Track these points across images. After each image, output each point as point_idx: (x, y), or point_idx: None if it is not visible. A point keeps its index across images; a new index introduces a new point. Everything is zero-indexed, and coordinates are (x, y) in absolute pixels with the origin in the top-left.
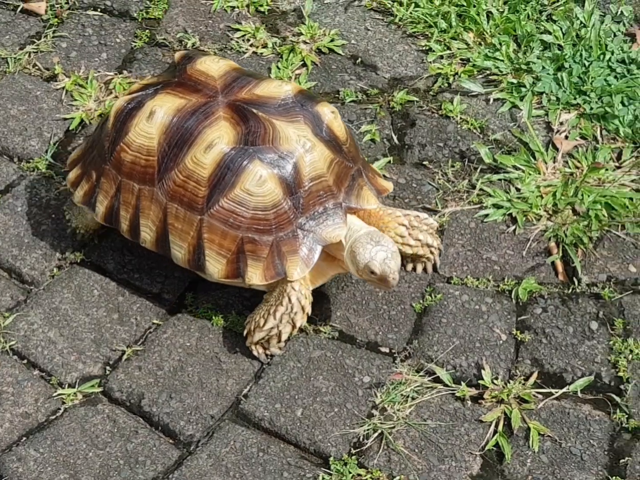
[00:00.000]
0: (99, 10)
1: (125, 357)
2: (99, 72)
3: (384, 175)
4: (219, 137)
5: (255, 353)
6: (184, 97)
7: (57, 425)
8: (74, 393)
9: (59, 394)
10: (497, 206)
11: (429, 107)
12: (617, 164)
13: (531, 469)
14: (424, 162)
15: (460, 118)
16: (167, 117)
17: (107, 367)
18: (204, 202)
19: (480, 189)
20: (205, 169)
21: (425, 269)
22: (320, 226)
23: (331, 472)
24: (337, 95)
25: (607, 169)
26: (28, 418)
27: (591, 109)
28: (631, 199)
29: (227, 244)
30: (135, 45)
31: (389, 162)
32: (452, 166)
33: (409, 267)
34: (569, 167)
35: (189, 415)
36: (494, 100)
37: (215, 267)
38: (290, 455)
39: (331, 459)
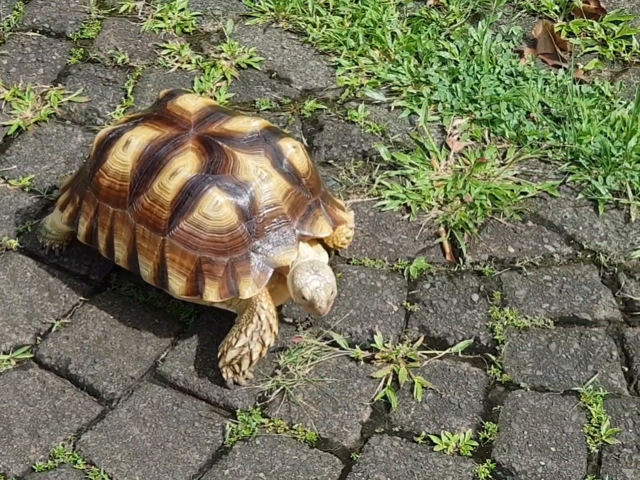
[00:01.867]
0: (37, 31)
1: (54, 328)
2: (35, 85)
3: (349, 208)
4: (184, 166)
5: (224, 376)
6: (159, 129)
7: None
8: (8, 359)
9: None
10: (393, 197)
11: (336, 114)
12: (502, 162)
13: (414, 415)
14: (330, 161)
15: (364, 123)
16: (141, 146)
17: (38, 338)
18: (167, 224)
19: (379, 183)
20: (169, 194)
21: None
22: (272, 250)
23: (237, 422)
24: (253, 105)
25: (492, 165)
26: None
27: (481, 114)
28: (512, 190)
29: (186, 263)
30: (69, 62)
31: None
32: (355, 164)
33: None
34: (459, 164)
35: (111, 376)
36: (395, 107)
37: (177, 285)
38: (202, 409)
39: (238, 410)
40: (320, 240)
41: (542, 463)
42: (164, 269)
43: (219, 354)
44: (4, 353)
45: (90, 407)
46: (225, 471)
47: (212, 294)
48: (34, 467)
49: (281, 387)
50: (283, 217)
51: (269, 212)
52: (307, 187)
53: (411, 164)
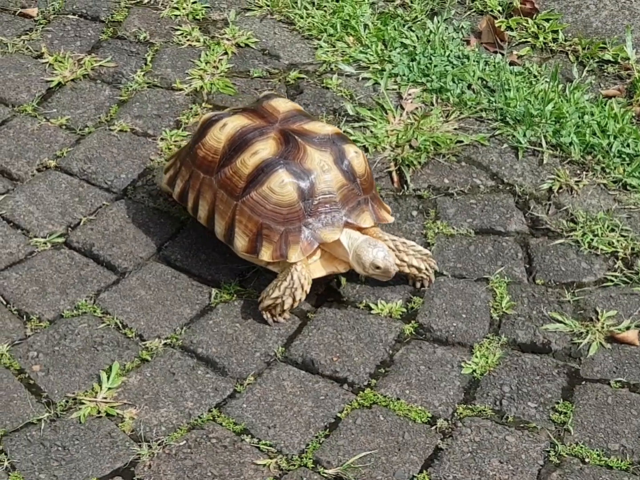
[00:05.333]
0: (76, 15)
1: (82, 223)
2: (73, 53)
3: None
4: (263, 148)
5: (264, 317)
6: (251, 120)
7: None
8: (44, 242)
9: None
10: (355, 141)
11: (314, 82)
12: (445, 119)
13: (358, 290)
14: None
15: (336, 89)
16: (234, 129)
17: (69, 228)
18: (241, 192)
19: (345, 131)
20: (247, 169)
21: (422, 285)
22: (320, 228)
23: (221, 289)
24: (248, 73)
25: (437, 121)
26: None
27: (431, 85)
28: (451, 139)
29: (250, 226)
30: (101, 38)
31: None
32: (327, 117)
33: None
34: (411, 120)
35: (124, 256)
36: (362, 78)
37: (240, 243)
38: (194, 281)
39: (222, 282)
40: None
41: (454, 324)
42: (232, 229)
43: (259, 299)
44: (42, 237)
45: (108, 276)
46: (209, 321)
47: (266, 255)
48: (62, 314)
49: (255, 268)
50: (334, 204)
51: (324, 197)
52: (360, 186)
53: (371, 118)
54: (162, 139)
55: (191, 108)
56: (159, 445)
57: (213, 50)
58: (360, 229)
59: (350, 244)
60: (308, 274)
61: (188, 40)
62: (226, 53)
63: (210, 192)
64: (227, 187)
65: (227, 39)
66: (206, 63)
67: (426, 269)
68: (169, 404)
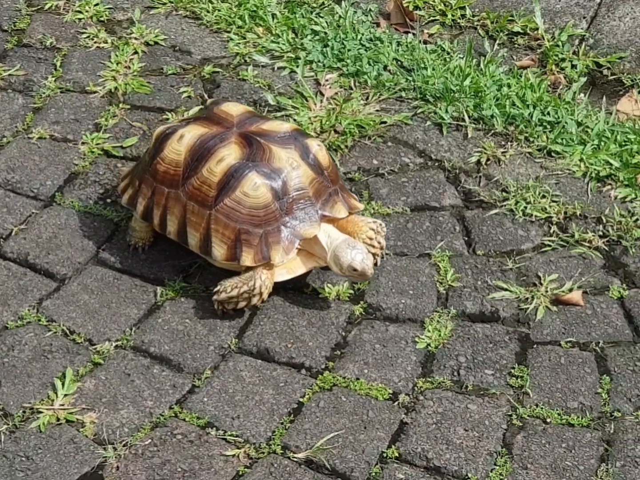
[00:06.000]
0: None
1: (14, 233)
2: None
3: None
4: (228, 154)
5: (215, 306)
6: (207, 127)
7: None
8: None
9: None
10: None
11: (229, 75)
12: (365, 102)
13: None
14: None
15: (254, 80)
16: (193, 139)
17: (1, 240)
18: (213, 201)
19: None
20: (216, 176)
21: (376, 264)
22: (299, 225)
23: (166, 287)
24: (161, 70)
25: (358, 104)
26: None
27: (347, 70)
28: (374, 120)
29: (227, 233)
30: (7, 47)
31: (201, 109)
32: None
33: None
34: (332, 105)
35: (62, 262)
36: (278, 68)
37: (219, 252)
38: (137, 281)
39: (166, 280)
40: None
41: (403, 301)
42: (209, 239)
43: (214, 289)
44: None
45: (48, 284)
46: (158, 320)
47: (248, 259)
48: (7, 325)
49: (198, 263)
50: (308, 199)
51: (297, 194)
52: (328, 177)
53: (293, 107)
54: (83, 143)
55: (108, 110)
56: (124, 446)
57: (122, 50)
58: (335, 220)
59: (330, 242)
60: (270, 283)
61: (95, 42)
62: (136, 52)
63: (178, 205)
64: (197, 198)
65: (135, 38)
66: (117, 64)
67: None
68: (129, 405)
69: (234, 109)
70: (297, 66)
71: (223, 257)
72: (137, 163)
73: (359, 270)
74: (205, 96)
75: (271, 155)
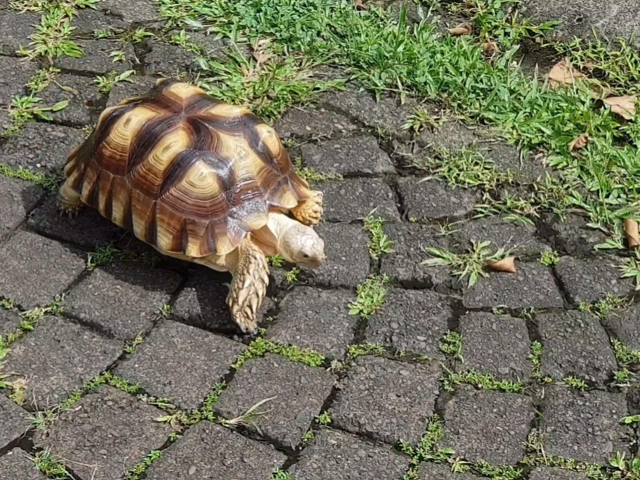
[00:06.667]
0: None
1: None
2: None
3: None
4: (175, 141)
5: (238, 321)
6: (155, 111)
7: None
8: None
9: None
10: (212, 95)
11: (161, 39)
12: (299, 68)
13: None
14: (159, 73)
15: (186, 44)
16: (139, 124)
17: None
18: (158, 190)
19: (201, 87)
20: (162, 165)
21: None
22: (246, 216)
23: (96, 252)
24: (92, 34)
25: (291, 70)
26: None
27: (281, 35)
28: (307, 86)
29: (173, 223)
30: None
31: (132, 73)
32: (180, 74)
33: None
34: (265, 71)
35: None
36: (210, 32)
37: (164, 241)
38: (67, 247)
39: (96, 246)
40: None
41: (335, 267)
42: (154, 228)
43: (230, 303)
44: None
45: None
46: (89, 285)
47: (193, 250)
48: None
49: None
50: (256, 189)
51: (245, 184)
52: (277, 165)
53: (225, 72)
54: (12, 107)
55: (38, 74)
56: (54, 412)
57: (53, 13)
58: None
59: (279, 229)
60: (262, 255)
61: (26, 5)
62: (67, 16)
63: (123, 192)
64: (143, 186)
65: (66, 2)
66: (48, 27)
67: None
68: (59, 371)
69: (183, 90)
70: (230, 31)
71: (168, 246)
72: (84, 144)
73: (310, 256)
74: (137, 60)
75: (219, 143)
